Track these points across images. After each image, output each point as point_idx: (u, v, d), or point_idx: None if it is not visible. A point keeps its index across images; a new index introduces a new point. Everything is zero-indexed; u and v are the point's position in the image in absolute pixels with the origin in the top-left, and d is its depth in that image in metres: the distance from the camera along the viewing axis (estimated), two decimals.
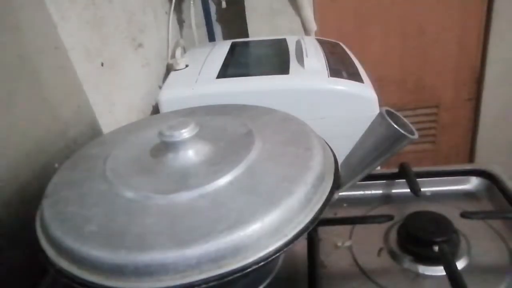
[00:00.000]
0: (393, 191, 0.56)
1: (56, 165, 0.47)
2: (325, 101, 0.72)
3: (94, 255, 0.30)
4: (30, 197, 0.42)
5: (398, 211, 0.50)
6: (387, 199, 0.56)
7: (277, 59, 0.85)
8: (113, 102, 0.70)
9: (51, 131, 0.50)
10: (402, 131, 0.34)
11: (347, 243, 0.48)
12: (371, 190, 0.57)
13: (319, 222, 0.33)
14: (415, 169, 0.53)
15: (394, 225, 0.48)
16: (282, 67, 0.78)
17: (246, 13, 1.15)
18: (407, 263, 0.44)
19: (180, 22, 1.16)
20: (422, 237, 0.44)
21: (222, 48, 0.93)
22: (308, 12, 1.14)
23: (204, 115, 0.48)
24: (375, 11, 1.21)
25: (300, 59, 0.79)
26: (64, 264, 0.32)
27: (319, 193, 0.35)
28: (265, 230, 0.31)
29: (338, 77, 0.74)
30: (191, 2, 1.09)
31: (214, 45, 0.98)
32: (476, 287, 0.40)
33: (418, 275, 0.43)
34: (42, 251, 0.34)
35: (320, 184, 0.35)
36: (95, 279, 0.30)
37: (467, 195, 0.55)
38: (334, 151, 0.41)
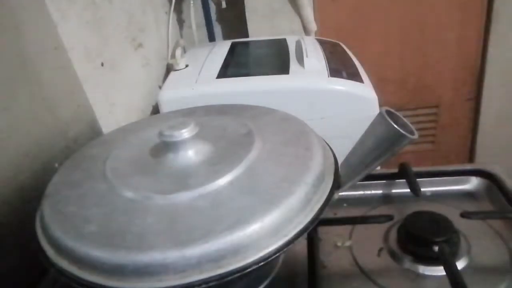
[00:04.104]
0: (393, 191, 0.56)
1: (56, 165, 0.47)
2: (325, 101, 0.72)
3: (94, 255, 0.30)
4: (30, 197, 0.42)
5: (398, 211, 0.50)
6: (387, 199, 0.56)
7: (277, 59, 0.85)
8: (113, 102, 0.70)
9: (51, 131, 0.50)
10: (402, 131, 0.34)
11: (347, 243, 0.48)
12: (371, 190, 0.57)
13: (319, 222, 0.33)
14: (415, 169, 0.53)
15: (394, 225, 0.48)
16: (282, 67, 0.78)
17: (246, 13, 1.15)
18: (407, 263, 0.44)
19: (180, 22, 1.16)
20: (422, 237, 0.44)
21: (222, 48, 0.93)
22: (308, 12, 1.14)
23: (204, 115, 0.48)
24: (375, 11, 1.21)
25: (300, 59, 0.79)
26: (64, 264, 0.32)
27: (319, 193, 0.35)
28: (265, 230, 0.31)
29: (338, 77, 0.74)
30: (191, 2, 1.09)
31: (214, 45, 0.98)
32: (476, 287, 0.40)
33: (418, 275, 0.43)
34: (42, 251, 0.34)
35: (320, 184, 0.35)
36: (95, 279, 0.30)
37: (467, 195, 0.55)
38: (334, 151, 0.41)
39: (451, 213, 0.46)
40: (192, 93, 0.74)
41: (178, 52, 0.85)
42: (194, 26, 1.10)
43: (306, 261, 0.43)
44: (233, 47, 0.94)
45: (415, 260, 0.44)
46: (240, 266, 0.30)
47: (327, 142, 0.43)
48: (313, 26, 1.16)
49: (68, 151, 0.50)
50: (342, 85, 0.72)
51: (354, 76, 0.76)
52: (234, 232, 0.30)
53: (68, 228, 0.33)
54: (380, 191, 0.57)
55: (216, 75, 0.77)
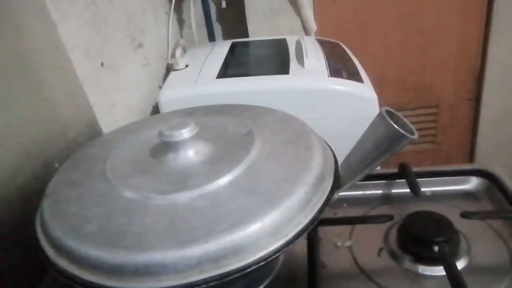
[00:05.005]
0: (393, 191, 0.56)
1: (56, 165, 0.47)
2: (325, 101, 0.72)
3: (94, 255, 0.30)
4: (30, 197, 0.42)
5: (398, 211, 0.50)
6: (387, 199, 0.56)
7: (277, 59, 0.85)
8: (113, 102, 0.70)
9: (51, 131, 0.50)
10: (402, 131, 0.34)
11: (347, 243, 0.48)
12: (371, 190, 0.57)
13: (319, 222, 0.33)
14: (415, 169, 0.53)
15: (394, 225, 0.48)
16: (282, 67, 0.78)
17: (246, 13, 1.15)
18: (407, 263, 0.44)
19: (180, 22, 1.16)
20: (422, 237, 0.44)
21: (222, 48, 0.93)
22: (308, 12, 1.14)
23: (204, 115, 0.48)
24: (375, 11, 1.21)
25: (300, 59, 0.79)
26: (64, 264, 0.32)
27: (319, 193, 0.35)
28: (265, 230, 0.31)
29: (338, 77, 0.74)
30: (191, 2, 1.09)
31: (214, 45, 0.98)
32: (476, 287, 0.40)
33: (418, 275, 0.43)
34: (42, 251, 0.34)
35: (320, 184, 0.35)
36: (95, 279, 0.30)
37: (467, 195, 0.55)
38: (334, 151, 0.41)
39: (451, 213, 0.46)
40: (192, 93, 0.74)
41: (178, 52, 0.85)
42: (194, 26, 1.10)
43: (306, 261, 0.43)
44: (233, 47, 0.94)
45: (415, 260, 0.44)
46: (240, 266, 0.30)
47: (327, 142, 0.43)
48: (313, 26, 1.16)
49: (68, 151, 0.50)
50: (342, 85, 0.72)
51: (354, 76, 0.76)
52: (234, 232, 0.30)
53: (68, 228, 0.33)
54: (380, 191, 0.57)
55: (216, 75, 0.77)
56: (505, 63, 1.26)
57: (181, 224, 0.31)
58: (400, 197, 0.55)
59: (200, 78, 0.77)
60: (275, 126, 0.44)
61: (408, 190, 0.50)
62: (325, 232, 0.49)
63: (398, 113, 0.35)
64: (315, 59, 0.79)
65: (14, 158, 0.43)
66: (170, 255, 0.29)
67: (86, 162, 0.42)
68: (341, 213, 0.53)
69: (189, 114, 0.49)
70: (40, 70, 0.49)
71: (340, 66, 0.80)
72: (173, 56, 0.89)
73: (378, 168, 0.42)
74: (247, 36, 1.17)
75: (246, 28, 1.17)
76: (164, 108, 0.73)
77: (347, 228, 0.50)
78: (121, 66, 0.75)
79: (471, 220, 0.47)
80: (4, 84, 0.44)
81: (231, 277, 0.29)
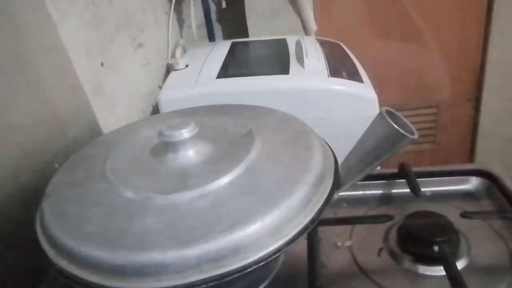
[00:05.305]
0: (393, 191, 0.56)
1: (56, 165, 0.47)
2: (325, 101, 0.72)
3: (94, 255, 0.30)
4: (30, 197, 0.42)
5: (398, 211, 0.50)
6: (387, 199, 0.56)
7: (277, 59, 0.85)
8: (113, 102, 0.70)
9: (51, 131, 0.50)
10: (402, 131, 0.34)
11: (347, 243, 0.48)
12: (371, 190, 0.57)
13: (319, 222, 0.33)
14: (415, 169, 0.53)
15: (394, 225, 0.48)
16: (282, 67, 0.78)
17: (246, 13, 1.15)
18: (407, 263, 0.44)
19: (180, 22, 1.16)
20: (422, 237, 0.44)
21: (222, 48, 0.93)
22: (308, 12, 1.14)
23: (204, 115, 0.48)
24: (375, 11, 1.21)
25: (300, 59, 0.79)
26: (64, 264, 0.32)
27: (319, 193, 0.35)
28: (265, 230, 0.31)
29: (338, 77, 0.74)
30: (191, 2, 1.09)
31: (214, 45, 0.98)
32: (476, 287, 0.40)
33: (418, 275, 0.43)
34: (42, 251, 0.34)
35: (320, 184, 0.35)
36: (95, 279, 0.30)
37: (467, 195, 0.55)
38: (334, 151, 0.41)
39: (451, 213, 0.46)
40: (192, 93, 0.74)
41: (178, 52, 0.85)
42: (194, 26, 1.10)
43: (306, 261, 0.43)
44: (233, 47, 0.94)
45: (415, 260, 0.44)
46: (240, 266, 0.30)
47: (327, 142, 0.43)
48: (313, 26, 1.16)
49: (68, 151, 0.50)
50: (342, 85, 0.72)
51: (354, 76, 0.76)
52: (234, 232, 0.30)
53: (68, 228, 0.33)
54: (380, 191, 0.57)
55: (216, 75, 0.77)
56: (505, 63, 1.26)
57: (181, 224, 0.31)
58: (400, 197, 0.55)
59: (200, 78, 0.77)
60: (275, 126, 0.44)
61: (408, 190, 0.50)
62: (325, 232, 0.49)
63: (398, 113, 0.35)
64: (315, 59, 0.79)
65: (14, 158, 0.43)
66: (170, 255, 0.29)
67: (86, 162, 0.42)
68: (341, 213, 0.53)
69: (189, 114, 0.49)
70: (40, 70, 0.49)
71: (340, 66, 0.80)
72: (173, 56, 0.89)
73: (378, 168, 0.42)
74: (247, 36, 1.17)
75: (246, 28, 1.17)
76: (164, 108, 0.73)
77: (347, 228, 0.50)
78: (121, 66, 0.75)
79: (471, 220, 0.47)
80: (4, 84, 0.44)
81: (231, 277, 0.29)
